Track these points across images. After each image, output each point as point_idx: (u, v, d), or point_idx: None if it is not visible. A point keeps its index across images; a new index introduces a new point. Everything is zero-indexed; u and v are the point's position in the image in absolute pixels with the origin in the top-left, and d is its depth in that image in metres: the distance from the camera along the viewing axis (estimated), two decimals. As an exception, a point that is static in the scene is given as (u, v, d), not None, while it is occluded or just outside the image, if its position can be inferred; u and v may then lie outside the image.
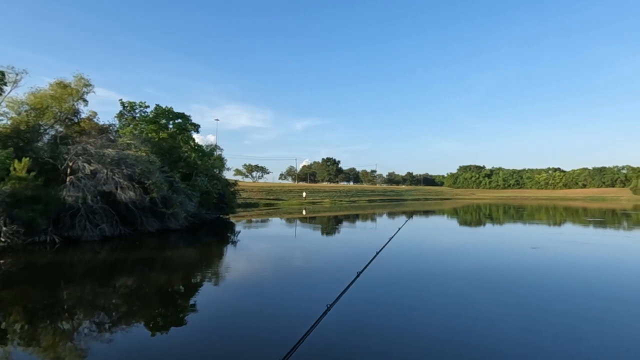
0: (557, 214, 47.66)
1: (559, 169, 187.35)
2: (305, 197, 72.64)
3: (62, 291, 10.93)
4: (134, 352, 6.60)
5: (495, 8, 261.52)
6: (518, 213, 50.48)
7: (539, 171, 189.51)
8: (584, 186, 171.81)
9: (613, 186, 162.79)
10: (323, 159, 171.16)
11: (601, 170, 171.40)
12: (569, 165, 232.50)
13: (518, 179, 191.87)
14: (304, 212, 45.97)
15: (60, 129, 22.68)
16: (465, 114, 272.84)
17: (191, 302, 9.88)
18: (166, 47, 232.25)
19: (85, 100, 23.79)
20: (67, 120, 23.30)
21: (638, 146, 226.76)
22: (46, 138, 21.94)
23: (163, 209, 21.61)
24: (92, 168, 19.76)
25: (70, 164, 19.83)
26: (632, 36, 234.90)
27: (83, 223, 18.61)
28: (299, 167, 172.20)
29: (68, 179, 19.42)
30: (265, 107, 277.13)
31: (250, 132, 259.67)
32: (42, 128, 21.75)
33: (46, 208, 17.74)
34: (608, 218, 40.44)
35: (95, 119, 25.05)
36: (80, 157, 19.99)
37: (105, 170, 20.00)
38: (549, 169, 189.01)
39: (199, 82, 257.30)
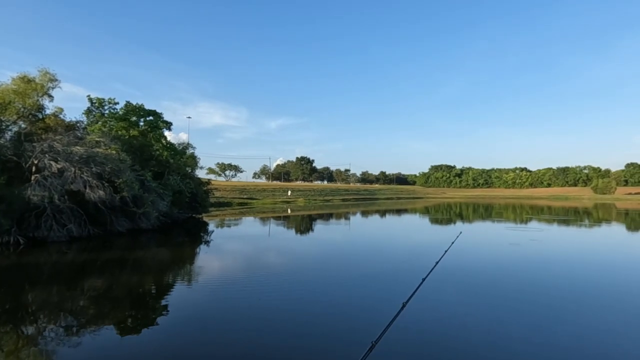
0: (523, 212, 49.49)
1: (525, 168, 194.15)
2: (290, 194, 73.37)
3: (26, 294, 10.57)
4: (104, 357, 6.49)
5: (463, 13, 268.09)
6: (487, 211, 52.08)
7: (507, 171, 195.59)
8: (549, 185, 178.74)
9: (576, 185, 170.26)
10: (297, 157, 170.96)
11: (565, 170, 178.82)
12: (534, 165, 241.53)
13: (487, 178, 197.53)
14: (289, 211, 45.99)
15: (24, 126, 21.88)
16: (436, 115, 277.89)
17: (162, 303, 9.76)
18: (135, 42, 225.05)
19: (50, 96, 23.02)
20: (31, 117, 22.46)
21: (599, 148, 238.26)
22: (8, 135, 21.10)
23: (134, 209, 21.18)
24: (59, 166, 19.13)
25: (36, 161, 19.14)
26: (594, 44, 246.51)
27: (49, 223, 18.00)
28: (272, 166, 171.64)
29: (33, 177, 18.74)
30: (239, 105, 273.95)
31: (223, 131, 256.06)
32: (4, 124, 20.87)
33: (9, 208, 17.05)
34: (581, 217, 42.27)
35: (61, 116, 24.25)
36: (47, 155, 19.33)
37: (73, 169, 19.42)
38: (516, 168, 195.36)
39: (169, 79, 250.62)
